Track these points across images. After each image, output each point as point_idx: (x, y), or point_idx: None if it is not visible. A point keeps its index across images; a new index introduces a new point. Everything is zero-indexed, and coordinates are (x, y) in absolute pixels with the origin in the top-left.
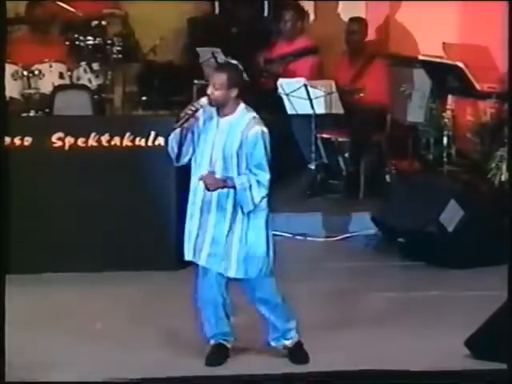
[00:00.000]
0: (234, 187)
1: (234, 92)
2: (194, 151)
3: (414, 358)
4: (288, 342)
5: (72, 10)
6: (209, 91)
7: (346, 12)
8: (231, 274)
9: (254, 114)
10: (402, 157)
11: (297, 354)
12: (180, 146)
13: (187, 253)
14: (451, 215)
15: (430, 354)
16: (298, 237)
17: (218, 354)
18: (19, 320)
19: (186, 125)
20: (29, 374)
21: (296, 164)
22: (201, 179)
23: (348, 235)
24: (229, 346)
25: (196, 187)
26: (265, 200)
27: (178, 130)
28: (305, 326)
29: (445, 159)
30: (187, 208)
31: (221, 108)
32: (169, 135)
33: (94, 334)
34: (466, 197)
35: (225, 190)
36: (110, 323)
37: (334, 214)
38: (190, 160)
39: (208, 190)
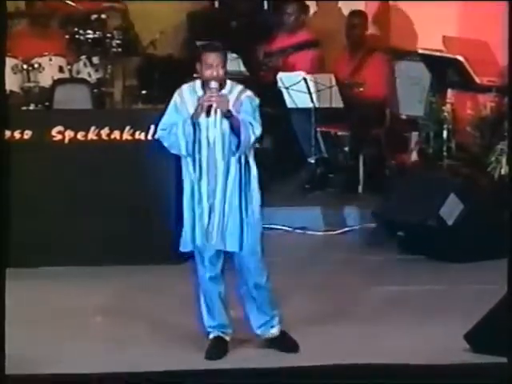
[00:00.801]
0: (237, 123)
1: (226, 69)
2: None
3: (413, 351)
4: (274, 330)
5: (72, 3)
6: (214, 73)
7: (346, 5)
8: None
9: (242, 86)
10: (402, 150)
11: (285, 342)
12: (194, 135)
13: (198, 239)
14: (451, 209)
15: (429, 347)
16: (298, 230)
17: (218, 347)
18: (18, 314)
19: (206, 116)
20: (28, 367)
21: (295, 158)
22: (214, 103)
23: (348, 229)
24: (228, 338)
25: (199, 172)
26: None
27: (188, 121)
28: (303, 320)
29: (444, 153)
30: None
31: (221, 87)
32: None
33: (93, 328)
34: (466, 190)
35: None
36: (109, 317)
37: (334, 207)
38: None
39: (222, 112)
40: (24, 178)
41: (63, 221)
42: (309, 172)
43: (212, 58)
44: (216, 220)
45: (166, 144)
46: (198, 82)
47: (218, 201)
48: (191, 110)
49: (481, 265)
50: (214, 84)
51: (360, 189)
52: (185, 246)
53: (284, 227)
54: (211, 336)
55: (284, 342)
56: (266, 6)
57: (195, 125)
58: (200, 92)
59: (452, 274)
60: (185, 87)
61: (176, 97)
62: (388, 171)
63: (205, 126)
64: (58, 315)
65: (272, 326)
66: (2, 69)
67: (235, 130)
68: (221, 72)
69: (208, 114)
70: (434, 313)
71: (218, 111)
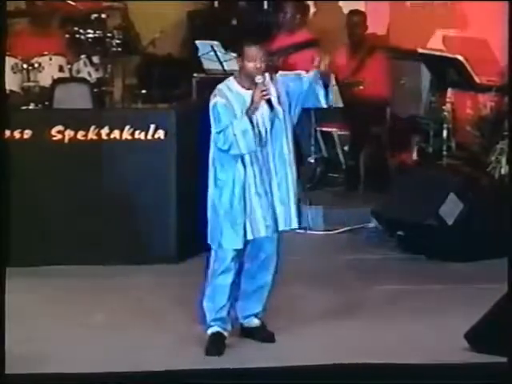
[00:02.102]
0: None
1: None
2: None
3: (413, 350)
4: (256, 320)
5: (72, 2)
6: (257, 65)
7: (346, 5)
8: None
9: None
10: (402, 150)
11: (264, 332)
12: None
13: (249, 233)
14: (451, 208)
15: (430, 346)
16: (298, 230)
17: (217, 343)
18: (19, 312)
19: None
20: (29, 365)
21: (295, 157)
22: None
23: (348, 228)
24: (226, 334)
25: (256, 167)
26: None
27: (244, 118)
28: (304, 319)
29: (444, 152)
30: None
31: (253, 80)
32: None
33: (94, 327)
34: (466, 190)
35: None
36: (110, 315)
37: (334, 207)
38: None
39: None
40: (24, 178)
41: (63, 220)
42: (309, 171)
43: (257, 50)
44: (279, 206)
45: (225, 147)
46: (231, 80)
47: (278, 188)
48: (236, 108)
49: (481, 264)
50: (259, 78)
51: (360, 188)
52: (231, 244)
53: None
54: (210, 331)
55: (262, 333)
56: (265, 6)
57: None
58: (238, 89)
59: (452, 273)
60: (222, 87)
61: (219, 98)
62: (388, 170)
63: (254, 121)
64: (58, 315)
65: (255, 317)
66: (2, 69)
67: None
68: (263, 65)
69: (271, 107)
70: (434, 312)
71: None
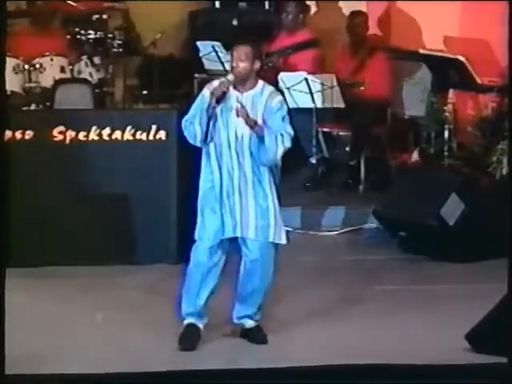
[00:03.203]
0: (262, 132)
1: (257, 64)
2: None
3: (414, 351)
4: (251, 322)
5: (73, 3)
6: (233, 64)
7: (347, 5)
8: (275, 238)
9: (272, 87)
10: (403, 150)
11: (257, 334)
12: (208, 125)
13: (228, 231)
14: (452, 209)
15: (431, 347)
16: (299, 231)
17: (190, 335)
18: (20, 313)
19: (215, 104)
20: (29, 366)
21: (297, 158)
22: (237, 113)
23: (349, 229)
24: (201, 326)
25: (228, 166)
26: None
27: (203, 111)
28: (305, 319)
29: (446, 153)
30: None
31: (242, 82)
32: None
33: (95, 327)
34: (467, 190)
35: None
36: (109, 316)
37: (335, 207)
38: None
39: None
40: (25, 178)
41: (64, 221)
42: (310, 172)
43: (239, 48)
44: (247, 211)
45: (186, 134)
46: (229, 77)
47: (248, 194)
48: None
49: (482, 264)
50: (230, 76)
51: (361, 189)
52: (202, 239)
53: (285, 227)
54: (185, 322)
55: (256, 335)
56: (266, 6)
57: (218, 120)
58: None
59: (453, 273)
60: (215, 81)
61: (205, 90)
62: (389, 171)
63: (234, 122)
64: (58, 315)
65: (250, 318)
66: (2, 69)
67: (261, 140)
68: (241, 65)
69: (218, 102)
70: (436, 312)
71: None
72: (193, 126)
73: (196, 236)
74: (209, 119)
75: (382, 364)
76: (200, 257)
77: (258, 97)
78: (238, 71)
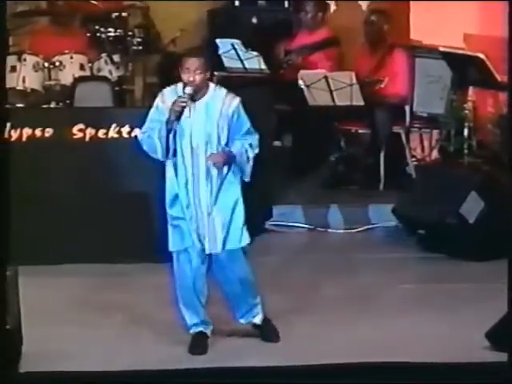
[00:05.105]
0: (235, 157)
1: (208, 74)
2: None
3: (434, 349)
4: (256, 319)
5: (93, 1)
6: (190, 78)
7: (366, 3)
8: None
9: (225, 90)
10: (423, 148)
11: (267, 331)
12: (167, 140)
13: (188, 240)
14: (472, 207)
15: (450, 345)
16: (319, 228)
17: (201, 342)
18: (34, 311)
19: (175, 119)
20: (43, 363)
21: (316, 156)
22: (209, 161)
23: (368, 227)
24: (209, 333)
25: (184, 177)
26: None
27: (162, 126)
28: (323, 318)
29: (465, 151)
30: (171, 203)
31: (197, 92)
32: None
33: (108, 325)
34: (487, 188)
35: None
36: (124, 314)
37: (355, 205)
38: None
39: (218, 168)
40: (45, 176)
41: (84, 218)
42: (330, 170)
43: (192, 62)
44: (206, 224)
45: (145, 148)
46: (179, 85)
47: (206, 205)
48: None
49: (502, 263)
50: (188, 89)
51: (381, 186)
52: (175, 246)
53: (305, 225)
54: (193, 331)
55: (266, 331)
56: (286, 4)
57: (177, 130)
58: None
59: (473, 272)
60: (167, 90)
61: (158, 100)
62: (409, 169)
63: (188, 132)
64: (73, 311)
65: (254, 316)
66: (2, 69)
67: (237, 165)
68: (198, 78)
69: (178, 118)
70: (455, 311)
71: (192, 111)
72: (152, 140)
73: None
74: (168, 133)
75: (399, 362)
76: (193, 267)
77: (212, 103)
78: (196, 84)
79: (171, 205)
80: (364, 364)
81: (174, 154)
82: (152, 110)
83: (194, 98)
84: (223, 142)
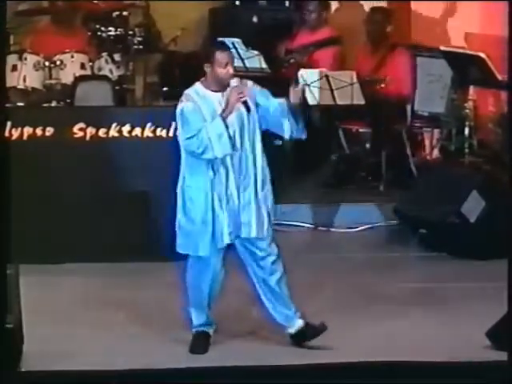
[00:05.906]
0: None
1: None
2: None
3: (434, 348)
4: (300, 322)
5: (94, 0)
6: (230, 71)
7: (368, 2)
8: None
9: (237, 79)
10: (424, 147)
11: (312, 329)
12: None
13: (225, 238)
14: (473, 206)
15: (451, 344)
16: (321, 228)
17: (203, 341)
18: (36, 310)
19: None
20: (44, 362)
21: (317, 155)
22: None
23: (370, 226)
24: (211, 333)
25: (224, 169)
26: None
27: (218, 121)
28: (326, 317)
29: (466, 150)
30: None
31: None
32: None
33: (111, 324)
34: (488, 187)
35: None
36: (127, 313)
37: (356, 205)
38: None
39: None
40: (45, 175)
41: (86, 217)
42: (330, 169)
43: (226, 55)
44: (253, 212)
45: (199, 150)
46: (198, 85)
47: (252, 193)
48: (205, 112)
49: (503, 262)
50: (235, 81)
51: (382, 186)
52: (204, 250)
53: (307, 224)
54: (195, 330)
55: (312, 330)
56: (287, 4)
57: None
58: (205, 92)
59: (474, 271)
60: (190, 92)
61: (188, 103)
62: (410, 168)
63: (230, 124)
64: (76, 311)
65: (297, 319)
66: (2, 69)
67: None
68: (231, 70)
69: (248, 110)
70: (456, 310)
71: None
72: (208, 141)
73: (191, 249)
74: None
75: (400, 361)
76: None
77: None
78: (231, 75)
79: (202, 209)
80: (364, 364)
81: (234, 147)
82: (190, 114)
83: (217, 88)
84: (256, 117)
